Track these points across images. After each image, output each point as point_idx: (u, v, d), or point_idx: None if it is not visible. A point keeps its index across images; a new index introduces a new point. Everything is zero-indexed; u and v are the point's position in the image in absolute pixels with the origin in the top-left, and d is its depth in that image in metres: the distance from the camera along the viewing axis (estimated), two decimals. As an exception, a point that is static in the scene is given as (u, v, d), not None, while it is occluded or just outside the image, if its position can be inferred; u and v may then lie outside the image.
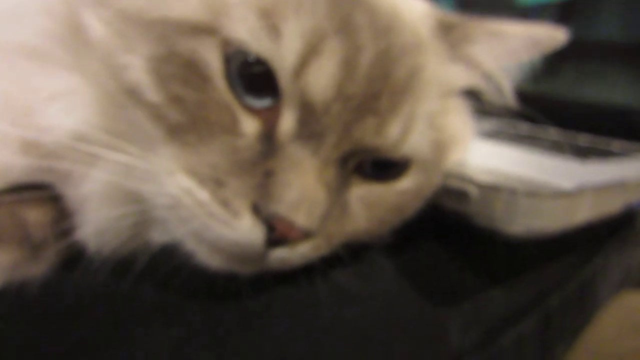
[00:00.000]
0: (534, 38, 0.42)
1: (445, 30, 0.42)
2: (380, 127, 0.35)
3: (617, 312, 0.62)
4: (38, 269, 0.36)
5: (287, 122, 0.34)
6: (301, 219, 0.33)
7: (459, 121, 0.44)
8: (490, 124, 0.63)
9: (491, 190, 0.40)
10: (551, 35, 0.43)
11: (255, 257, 0.34)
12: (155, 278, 0.36)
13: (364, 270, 0.42)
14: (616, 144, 0.78)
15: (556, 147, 0.68)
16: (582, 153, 0.67)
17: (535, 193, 0.39)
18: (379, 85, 0.35)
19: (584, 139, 0.81)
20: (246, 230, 0.33)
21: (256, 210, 0.33)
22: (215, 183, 0.33)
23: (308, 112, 0.34)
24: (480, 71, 0.44)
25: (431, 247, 0.47)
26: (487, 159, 0.48)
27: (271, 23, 0.33)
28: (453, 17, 0.43)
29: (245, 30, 0.32)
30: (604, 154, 0.72)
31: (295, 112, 0.34)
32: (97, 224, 0.36)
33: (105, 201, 0.36)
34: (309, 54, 0.33)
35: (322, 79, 0.33)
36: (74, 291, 0.36)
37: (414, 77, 0.37)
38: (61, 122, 0.34)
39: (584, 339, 0.58)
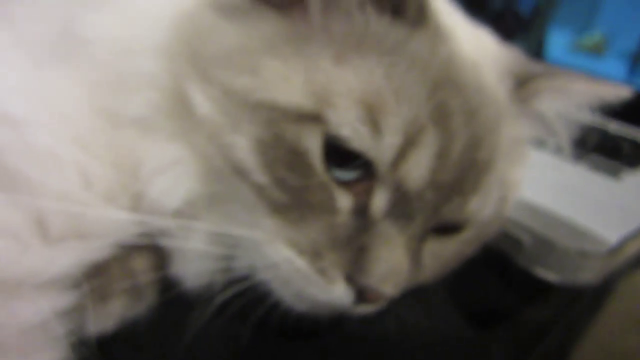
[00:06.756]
0: (598, 95, 0.44)
1: (518, 85, 0.43)
2: (462, 205, 0.38)
3: (621, 308, 0.67)
4: (141, 307, 0.39)
5: (380, 201, 0.36)
6: (388, 289, 0.36)
7: (521, 167, 0.46)
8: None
9: (546, 244, 0.44)
10: (616, 93, 0.44)
11: (342, 311, 0.38)
12: (243, 312, 0.40)
13: (423, 300, 0.46)
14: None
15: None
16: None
17: (586, 253, 0.42)
18: (466, 169, 0.37)
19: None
20: (339, 294, 0.36)
21: (349, 279, 0.36)
22: (314, 254, 0.36)
23: (401, 196, 0.36)
24: (544, 123, 0.45)
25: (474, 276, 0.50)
26: (538, 187, 0.50)
27: (372, 118, 0.34)
28: (527, 70, 0.44)
29: (348, 129, 0.34)
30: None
31: (388, 194, 0.36)
32: (193, 270, 0.39)
33: (202, 256, 0.38)
34: (407, 146, 0.34)
35: (417, 171, 0.35)
36: (171, 324, 0.40)
37: (493, 154, 0.39)
38: (167, 196, 0.36)
39: (591, 334, 0.65)
